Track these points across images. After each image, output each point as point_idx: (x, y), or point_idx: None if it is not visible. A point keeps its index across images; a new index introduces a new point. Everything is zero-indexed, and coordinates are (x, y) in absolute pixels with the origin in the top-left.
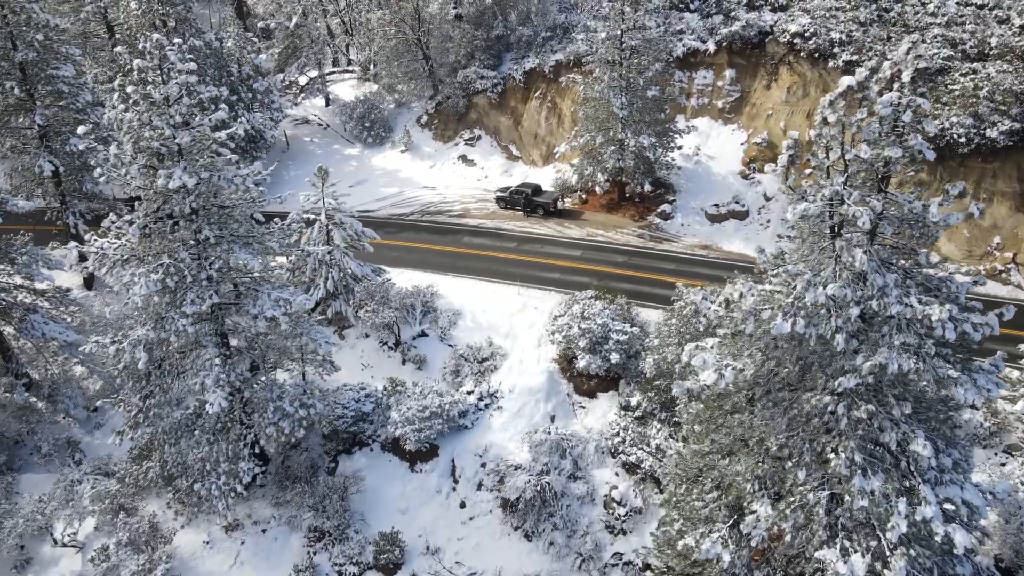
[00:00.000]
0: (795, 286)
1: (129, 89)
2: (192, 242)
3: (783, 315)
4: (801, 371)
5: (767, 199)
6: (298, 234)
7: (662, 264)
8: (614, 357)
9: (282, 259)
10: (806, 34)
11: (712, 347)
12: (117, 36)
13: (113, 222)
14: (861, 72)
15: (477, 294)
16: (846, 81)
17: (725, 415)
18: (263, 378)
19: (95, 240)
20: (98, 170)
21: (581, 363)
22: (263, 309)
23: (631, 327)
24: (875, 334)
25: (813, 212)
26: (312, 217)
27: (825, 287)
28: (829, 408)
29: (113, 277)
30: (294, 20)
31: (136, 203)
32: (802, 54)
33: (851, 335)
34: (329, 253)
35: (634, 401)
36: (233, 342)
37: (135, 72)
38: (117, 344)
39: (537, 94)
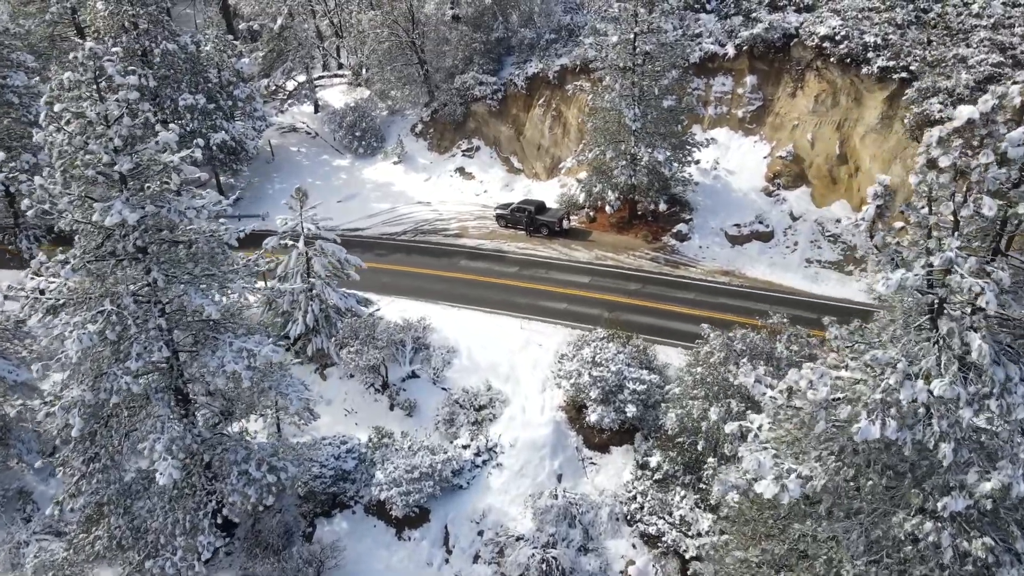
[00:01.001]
0: (885, 377)
1: (57, 107)
2: (139, 285)
3: (868, 414)
4: (889, 484)
5: (793, 219)
6: (274, 263)
7: (680, 293)
8: (630, 410)
9: (257, 287)
10: (836, 37)
11: (762, 430)
12: (88, 39)
13: (43, 263)
14: (985, 101)
15: (474, 328)
16: (965, 113)
17: (781, 520)
18: (228, 433)
19: (30, 278)
20: (25, 202)
21: (593, 416)
22: (223, 362)
23: (649, 374)
24: (994, 443)
25: (912, 283)
26: (289, 243)
27: (927, 381)
28: (928, 535)
29: (43, 327)
30: (279, 21)
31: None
32: (832, 59)
33: (961, 444)
34: (308, 285)
35: (653, 461)
36: (193, 395)
37: (64, 86)
38: (48, 407)
39: (540, 102)
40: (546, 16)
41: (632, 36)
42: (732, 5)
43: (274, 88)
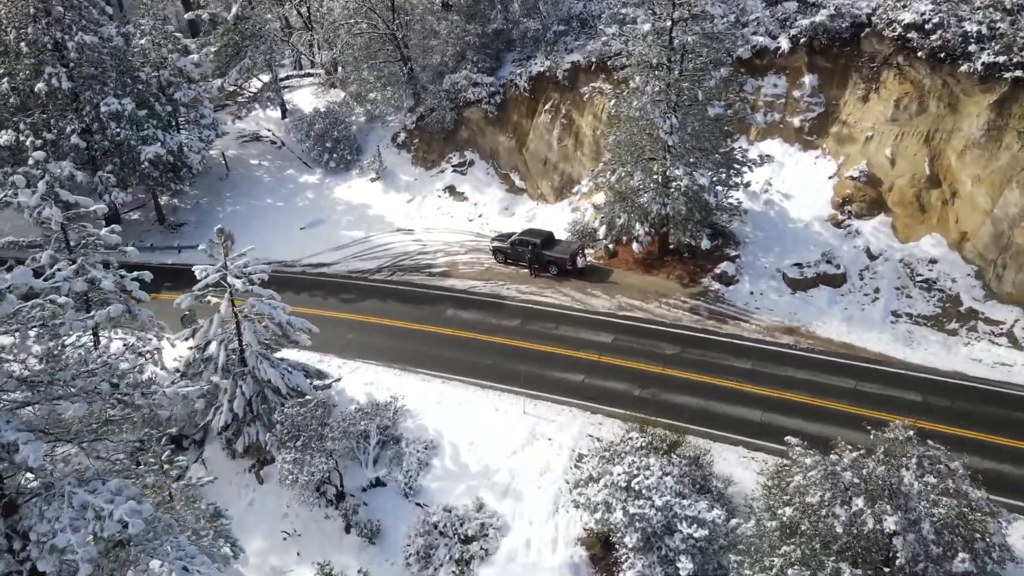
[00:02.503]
0: None
1: None
2: None
3: None
4: None
5: (871, 257)
6: (190, 334)
7: (732, 360)
8: (685, 565)
9: (179, 350)
10: (927, 25)
11: None
12: None
13: None
14: None
15: (462, 411)
16: None
17: None
18: None
19: None
20: None
21: (629, 573)
22: (55, 528)
23: (709, 505)
24: None
25: None
26: (213, 300)
27: None
28: None
29: None
30: (233, 10)
31: None
32: (919, 53)
33: None
34: (240, 358)
35: None
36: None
37: None
38: None
39: (547, 107)
40: (554, 3)
41: (668, 24)
42: None
43: (232, 90)
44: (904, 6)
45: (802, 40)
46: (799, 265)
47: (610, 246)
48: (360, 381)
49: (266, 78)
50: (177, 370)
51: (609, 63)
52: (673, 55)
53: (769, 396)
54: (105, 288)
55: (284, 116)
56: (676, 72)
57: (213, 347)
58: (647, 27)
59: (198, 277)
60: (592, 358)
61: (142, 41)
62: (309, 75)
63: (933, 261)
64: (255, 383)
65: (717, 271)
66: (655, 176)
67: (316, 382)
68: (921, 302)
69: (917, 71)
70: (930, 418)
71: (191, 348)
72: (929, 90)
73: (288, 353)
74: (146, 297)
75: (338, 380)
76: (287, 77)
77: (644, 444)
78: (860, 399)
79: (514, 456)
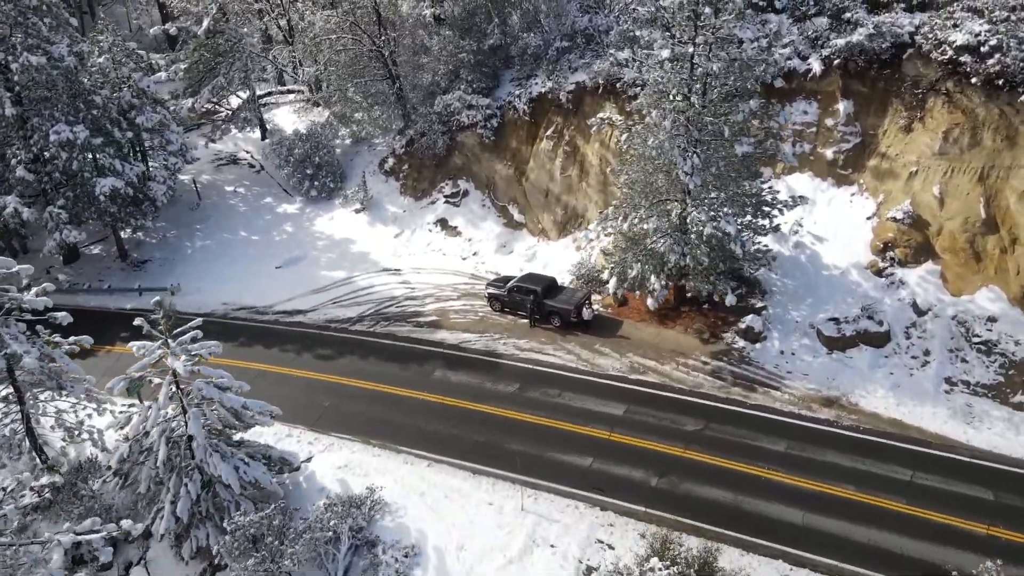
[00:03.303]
0: None
1: None
2: None
3: None
4: None
5: (919, 312)
6: (124, 421)
7: (764, 441)
8: None
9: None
10: (983, 48)
11: None
12: None
13: None
14: None
15: (450, 505)
16: None
17: None
18: None
19: None
20: None
21: None
22: None
23: None
24: None
25: None
26: (154, 381)
27: None
28: None
29: None
30: (204, 24)
31: None
32: (973, 80)
33: None
34: (186, 447)
35: None
36: None
37: None
38: None
39: (549, 132)
40: (556, 17)
41: (690, 49)
42: (812, 1)
43: (207, 109)
44: (955, 25)
45: (836, 62)
46: (835, 320)
47: (619, 292)
48: (333, 463)
49: (244, 95)
50: (110, 467)
51: (619, 86)
52: (695, 85)
53: (810, 489)
54: (26, 366)
55: (264, 137)
56: (698, 104)
57: (154, 434)
58: (665, 53)
59: (135, 355)
60: (601, 435)
61: (100, 60)
62: (291, 91)
63: (992, 319)
64: (203, 478)
65: (741, 325)
66: (672, 219)
67: (276, 478)
68: (979, 368)
69: (970, 99)
70: (1006, 524)
71: (126, 440)
72: (984, 121)
73: (251, 430)
74: (81, 372)
75: (308, 460)
76: (268, 94)
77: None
78: (918, 496)
79: (510, 567)
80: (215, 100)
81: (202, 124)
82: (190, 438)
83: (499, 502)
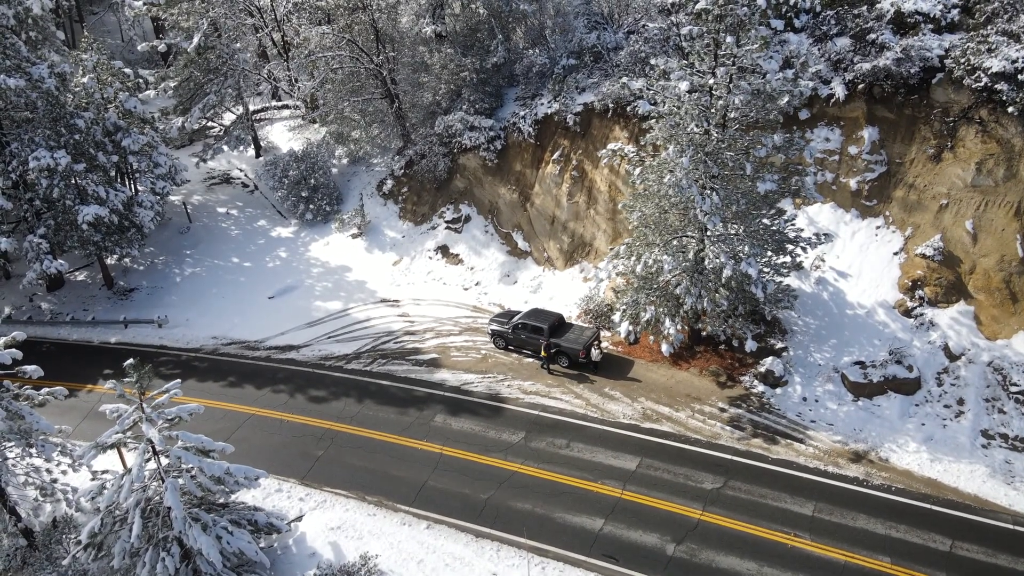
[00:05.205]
0: None
1: None
2: None
3: None
4: None
5: (951, 356)
6: (97, 490)
7: (789, 503)
8: None
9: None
10: (1021, 76)
11: None
12: None
13: None
14: None
15: (449, 574)
16: None
17: None
18: None
19: None
20: None
21: None
22: None
23: None
24: None
25: None
26: (130, 445)
27: None
28: None
29: None
30: (195, 40)
31: None
32: (1009, 108)
33: None
34: (164, 518)
35: None
36: None
37: None
38: None
39: (556, 155)
40: (562, 33)
41: (710, 81)
42: (833, 20)
43: (199, 127)
44: (990, 50)
45: (860, 86)
46: (861, 364)
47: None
48: (325, 523)
49: (238, 111)
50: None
51: (629, 110)
52: (715, 117)
53: (841, 562)
54: None
55: (258, 155)
56: (717, 137)
57: (128, 505)
58: (684, 86)
59: (108, 417)
60: (613, 493)
61: (84, 80)
62: (287, 107)
63: None
64: (181, 550)
65: (761, 368)
66: (688, 258)
67: (265, 540)
68: (1018, 419)
69: (1006, 128)
70: None
71: (98, 512)
72: (1021, 152)
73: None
74: (52, 428)
75: (299, 519)
76: (263, 109)
77: None
78: (958, 570)
79: None
80: (207, 118)
81: (193, 142)
82: (168, 508)
83: (504, 573)
